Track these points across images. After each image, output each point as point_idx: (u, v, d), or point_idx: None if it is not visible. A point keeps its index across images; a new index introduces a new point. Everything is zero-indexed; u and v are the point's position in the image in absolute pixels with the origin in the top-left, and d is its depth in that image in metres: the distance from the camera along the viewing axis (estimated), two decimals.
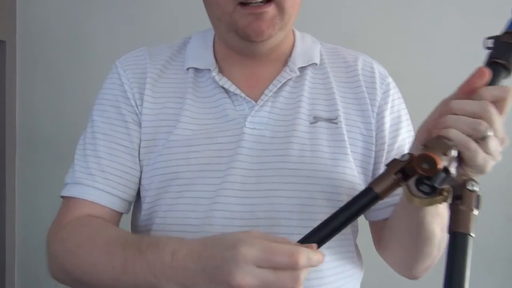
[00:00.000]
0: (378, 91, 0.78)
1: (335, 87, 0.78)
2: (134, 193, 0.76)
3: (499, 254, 1.50)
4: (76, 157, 0.76)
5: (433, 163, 0.51)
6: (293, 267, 0.50)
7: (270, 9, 0.70)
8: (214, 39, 0.81)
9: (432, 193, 0.53)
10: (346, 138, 0.74)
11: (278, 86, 0.75)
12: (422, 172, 0.52)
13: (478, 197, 0.51)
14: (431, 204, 0.54)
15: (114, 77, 0.79)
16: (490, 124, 0.54)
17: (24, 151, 1.67)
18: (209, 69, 0.76)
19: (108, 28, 1.57)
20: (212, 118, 0.74)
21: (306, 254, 0.51)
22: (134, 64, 0.79)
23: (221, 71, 0.77)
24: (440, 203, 0.53)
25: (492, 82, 0.56)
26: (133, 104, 0.75)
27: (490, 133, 0.54)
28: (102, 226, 0.69)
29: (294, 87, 0.77)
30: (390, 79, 0.81)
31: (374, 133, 0.76)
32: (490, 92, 0.55)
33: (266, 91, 0.75)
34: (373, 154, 0.76)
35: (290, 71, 0.77)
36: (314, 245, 0.54)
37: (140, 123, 0.75)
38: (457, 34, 1.36)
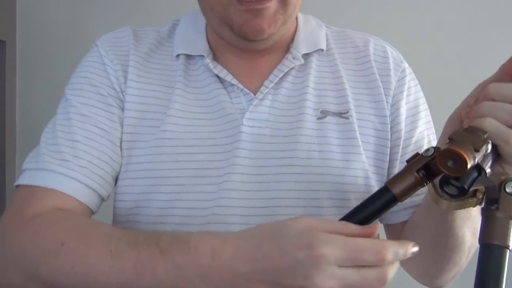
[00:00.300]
0: (392, 78, 0.69)
1: (345, 76, 0.68)
2: (110, 189, 0.63)
3: None
4: (42, 140, 0.63)
5: (461, 161, 0.41)
6: (379, 264, 0.43)
7: (272, 4, 0.60)
8: (206, 23, 0.71)
9: (461, 195, 0.45)
10: (358, 135, 0.65)
11: (280, 76, 0.66)
12: (446, 172, 0.43)
13: None
14: (461, 207, 0.47)
15: (95, 55, 0.69)
16: None
17: (24, 151, 1.66)
18: (202, 56, 0.67)
19: (109, 28, 1.57)
20: (205, 113, 0.65)
21: (393, 249, 0.44)
22: (117, 46, 0.69)
23: (215, 59, 0.68)
24: (473, 206, 0.47)
25: None
26: (117, 89, 0.65)
27: None
28: (90, 221, 0.56)
29: (297, 77, 0.68)
30: (405, 64, 0.72)
31: (389, 127, 0.67)
32: None
33: (266, 82, 0.66)
34: (388, 151, 0.67)
35: (293, 58, 0.67)
36: (375, 227, 0.46)
37: (123, 111, 0.64)
38: (458, 33, 1.36)
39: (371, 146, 0.66)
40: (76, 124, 0.62)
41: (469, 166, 0.41)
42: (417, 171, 0.47)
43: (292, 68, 0.67)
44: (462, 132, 0.45)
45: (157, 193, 0.62)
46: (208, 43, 0.69)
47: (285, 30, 0.66)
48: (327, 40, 0.72)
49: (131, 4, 1.56)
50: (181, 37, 0.70)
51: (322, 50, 0.70)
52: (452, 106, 0.56)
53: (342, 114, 0.66)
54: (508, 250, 0.41)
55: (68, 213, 0.56)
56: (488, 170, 0.45)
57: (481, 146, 0.43)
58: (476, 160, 0.43)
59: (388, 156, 0.67)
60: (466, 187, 0.43)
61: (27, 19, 1.65)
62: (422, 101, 0.72)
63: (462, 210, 0.52)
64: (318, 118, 0.65)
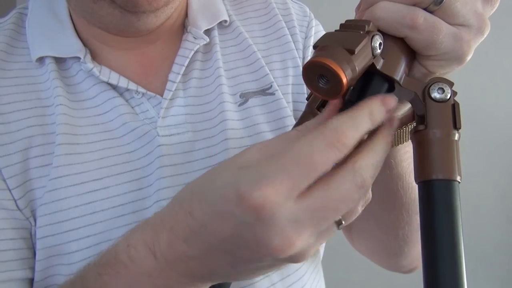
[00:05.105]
0: (299, 36, 0.57)
1: (254, 45, 0.55)
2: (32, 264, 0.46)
3: (500, 255, 1.49)
4: None
5: (332, 75, 0.28)
6: (344, 159, 0.29)
7: None
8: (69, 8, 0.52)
9: None
10: (290, 112, 0.53)
11: (185, 64, 0.51)
12: (322, 97, 0.31)
13: (454, 107, 0.30)
14: (397, 142, 0.38)
15: None
16: None
17: None
18: (78, 58, 0.49)
19: None
20: (105, 131, 0.48)
21: (351, 122, 0.29)
22: None
23: (95, 58, 0.50)
24: (407, 138, 0.37)
25: None
26: None
27: None
28: None
29: (205, 60, 0.54)
30: (307, 9, 0.61)
31: (305, 89, 0.55)
32: None
33: (172, 76, 0.50)
34: None
35: (195, 38, 0.53)
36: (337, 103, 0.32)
37: None
38: None
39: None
40: None
41: (345, 79, 0.28)
42: (318, 108, 0.36)
43: (196, 51, 0.53)
44: (331, 33, 0.32)
45: (66, 255, 0.45)
46: (79, 37, 0.51)
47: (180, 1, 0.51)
48: (224, 6, 0.57)
49: None
50: (38, 32, 0.50)
51: (226, 21, 0.56)
52: None
53: (266, 91, 0.53)
54: (456, 184, 0.29)
55: None
56: (399, 74, 0.32)
57: (358, 44, 0.29)
58: (359, 68, 0.29)
59: None
60: None
61: None
62: None
63: (406, 147, 0.42)
64: (240, 105, 0.52)
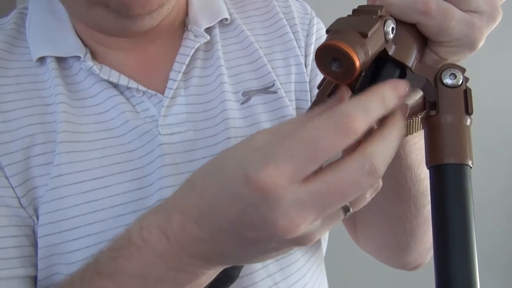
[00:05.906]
0: (300, 34, 0.57)
1: (256, 43, 0.55)
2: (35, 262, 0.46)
3: (500, 255, 1.49)
4: None
5: (345, 57, 0.28)
6: (353, 144, 0.28)
7: None
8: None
9: None
10: (293, 110, 0.53)
11: (186, 62, 0.51)
12: (334, 80, 0.31)
13: (466, 93, 0.31)
14: (407, 132, 0.38)
15: None
16: None
17: None
18: (78, 57, 0.49)
19: None
20: (106, 130, 0.48)
21: (362, 107, 0.28)
22: None
23: (95, 57, 0.50)
24: (417, 128, 0.36)
25: None
26: None
27: None
28: None
29: (206, 59, 0.53)
30: (308, 7, 0.61)
31: (308, 95, 0.55)
32: None
33: (172, 74, 0.50)
34: None
35: (196, 36, 0.52)
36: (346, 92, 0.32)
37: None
38: None
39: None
40: None
41: (358, 62, 0.28)
42: (329, 95, 0.35)
43: (197, 49, 0.53)
44: (344, 18, 0.31)
45: (66, 254, 0.45)
46: (79, 37, 0.51)
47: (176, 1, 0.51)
48: (225, 4, 0.57)
49: None
50: (38, 32, 0.50)
51: (227, 19, 0.55)
52: None
53: (268, 89, 0.53)
54: (468, 168, 0.29)
55: None
56: (411, 60, 0.32)
57: (371, 27, 0.29)
58: (371, 51, 0.29)
59: None
60: None
61: None
62: None
63: (415, 138, 0.42)
64: (242, 103, 0.52)
